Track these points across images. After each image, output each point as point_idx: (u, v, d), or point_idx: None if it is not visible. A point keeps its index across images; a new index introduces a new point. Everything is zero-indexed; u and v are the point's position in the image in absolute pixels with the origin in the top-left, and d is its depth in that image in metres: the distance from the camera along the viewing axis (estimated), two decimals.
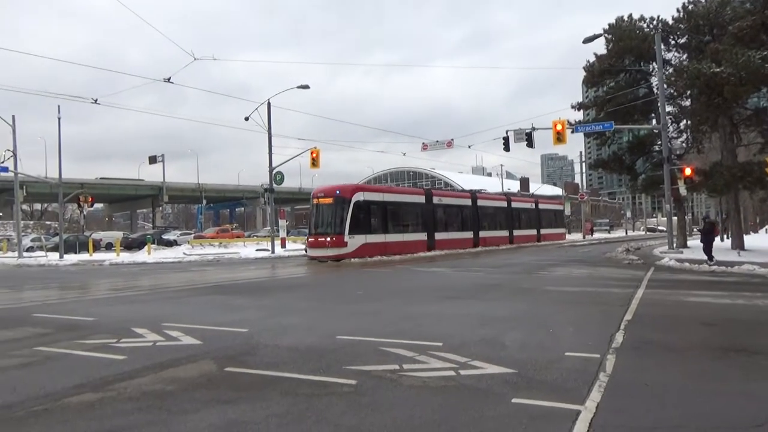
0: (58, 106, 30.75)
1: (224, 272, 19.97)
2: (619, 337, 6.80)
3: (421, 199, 31.29)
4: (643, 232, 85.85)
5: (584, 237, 60.26)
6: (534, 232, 44.17)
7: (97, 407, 4.44)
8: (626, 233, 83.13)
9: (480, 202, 37.23)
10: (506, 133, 26.17)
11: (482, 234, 36.00)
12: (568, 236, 69.11)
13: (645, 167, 33.31)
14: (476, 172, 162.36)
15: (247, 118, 30.44)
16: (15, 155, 32.50)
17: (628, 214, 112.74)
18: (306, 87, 30.58)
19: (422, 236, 30.50)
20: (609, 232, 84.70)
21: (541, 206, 47.21)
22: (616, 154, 32.09)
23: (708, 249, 18.76)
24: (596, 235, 70.12)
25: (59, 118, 30.95)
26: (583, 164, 65.25)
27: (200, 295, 13.29)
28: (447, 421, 3.99)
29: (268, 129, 31.42)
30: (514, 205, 42.06)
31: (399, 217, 29.35)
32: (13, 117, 31.58)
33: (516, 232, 40.77)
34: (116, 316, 9.67)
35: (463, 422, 3.96)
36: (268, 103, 31.58)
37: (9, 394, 4.84)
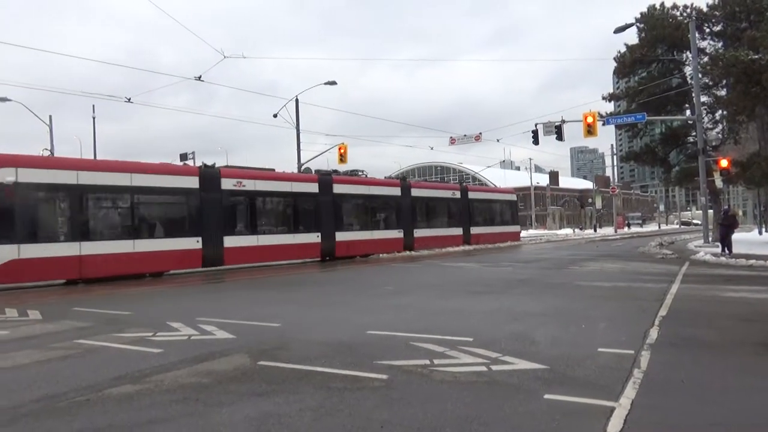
0: (93, 106, 31.61)
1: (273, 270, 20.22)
2: (653, 333, 6.68)
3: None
4: (677, 226, 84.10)
5: (616, 231, 59.29)
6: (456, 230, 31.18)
7: (136, 399, 4.56)
8: (659, 227, 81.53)
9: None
10: (535, 126, 25.88)
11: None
12: (600, 230, 68.11)
13: (679, 159, 32.58)
14: (504, 166, 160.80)
15: (275, 115, 30.72)
16: (52, 154, 33.40)
17: (662, 207, 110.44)
18: (333, 83, 30.72)
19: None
20: (641, 226, 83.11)
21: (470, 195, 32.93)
22: (648, 146, 31.46)
23: (727, 241, 18.92)
24: (627, 229, 68.88)
25: (94, 118, 31.78)
26: (615, 157, 64.05)
27: (237, 289, 13.53)
28: (479, 416, 3.98)
29: (296, 125, 31.66)
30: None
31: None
32: (50, 117, 32.53)
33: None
34: (151, 310, 9.90)
35: (496, 418, 3.95)
36: (296, 100, 31.81)
37: (52, 385, 5.02)
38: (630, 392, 4.43)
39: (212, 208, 18.96)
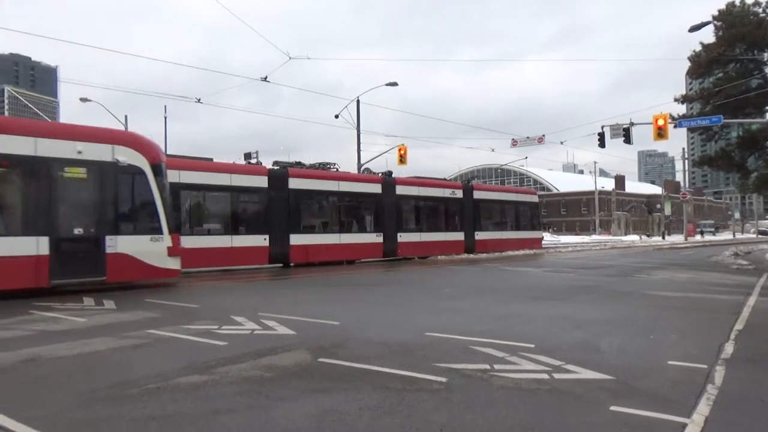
0: (165, 106, 32.98)
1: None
2: (729, 348, 6.33)
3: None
4: (754, 235, 79.37)
5: (686, 239, 56.61)
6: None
7: (203, 389, 4.73)
8: (734, 236, 77.20)
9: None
10: (602, 128, 25.01)
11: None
12: (668, 237, 65.21)
13: (757, 164, 30.73)
14: (567, 169, 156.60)
15: (337, 116, 31.16)
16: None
17: (737, 215, 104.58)
18: (394, 84, 30.84)
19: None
20: (714, 235, 78.98)
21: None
22: (724, 151, 29.82)
23: None
24: (699, 237, 65.62)
25: (165, 117, 33.22)
26: (686, 161, 61.16)
27: (297, 287, 13.82)
28: (541, 424, 3.89)
29: (356, 126, 31.99)
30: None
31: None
32: (126, 116, 34.22)
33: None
34: (216, 304, 10.25)
35: (559, 427, 3.85)
36: (358, 101, 32.13)
37: (125, 372, 5.28)
38: (703, 408, 4.21)
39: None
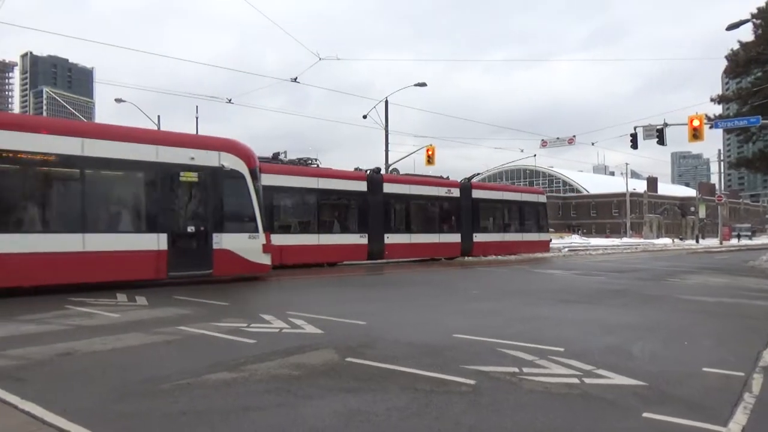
0: (197, 107, 33.52)
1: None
2: (767, 355, 6.14)
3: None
4: None
5: (721, 243, 55.17)
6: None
7: (232, 386, 4.78)
8: None
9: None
10: (634, 129, 24.57)
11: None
12: (702, 241, 63.62)
13: None
14: (598, 170, 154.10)
15: (365, 116, 31.24)
16: None
17: None
18: (423, 85, 30.81)
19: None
20: (751, 239, 76.76)
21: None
22: (762, 152, 29.01)
23: None
24: (735, 241, 63.86)
25: (197, 117, 33.80)
26: (722, 163, 59.61)
27: (321, 286, 13.90)
28: (572, 429, 3.83)
29: (385, 126, 32.02)
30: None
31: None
32: (159, 117, 34.92)
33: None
34: (245, 302, 10.38)
35: None
36: (386, 101, 32.16)
37: (157, 368, 5.37)
38: (740, 417, 4.09)
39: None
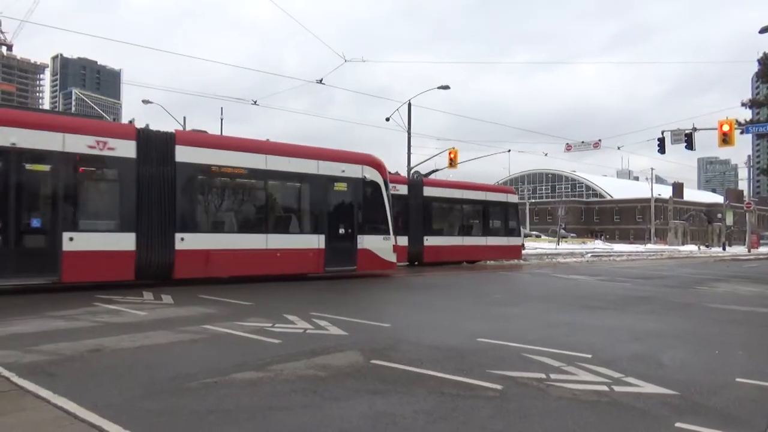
0: (221, 108, 33.92)
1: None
2: None
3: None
4: None
5: (749, 251, 53.96)
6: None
7: (258, 385, 4.81)
8: None
9: None
10: (662, 133, 24.18)
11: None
12: (729, 248, 62.26)
13: None
14: (621, 175, 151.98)
15: (388, 119, 31.25)
16: None
17: None
18: (446, 87, 30.72)
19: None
20: None
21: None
22: None
23: None
24: (764, 249, 62.39)
25: (222, 119, 34.22)
26: (751, 169, 58.32)
27: (349, 287, 13.92)
28: None
29: (407, 129, 32.00)
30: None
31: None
32: (184, 118, 35.41)
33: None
34: (269, 302, 10.43)
35: None
36: (409, 104, 32.15)
37: (184, 366, 5.42)
38: None
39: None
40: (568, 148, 31.73)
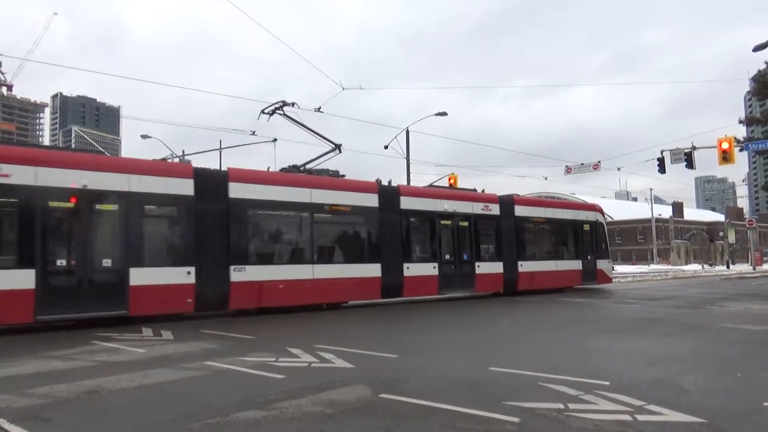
0: (220, 141, 33.96)
1: None
2: None
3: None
4: None
5: (754, 268, 53.62)
6: None
7: (263, 425, 4.56)
8: None
9: None
10: (661, 153, 24.13)
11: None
12: (733, 266, 61.84)
13: None
14: (620, 196, 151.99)
15: (386, 147, 31.24)
16: None
17: None
18: (444, 114, 30.82)
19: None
20: None
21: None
22: None
23: None
24: (767, 266, 62.04)
25: (220, 151, 34.19)
26: (750, 186, 58.26)
27: (351, 314, 13.64)
28: None
29: (406, 156, 31.98)
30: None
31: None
32: (183, 151, 35.41)
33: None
34: (272, 336, 10.17)
35: None
36: (407, 131, 32.20)
37: (185, 405, 5.17)
38: None
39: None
40: (568, 170, 31.64)
